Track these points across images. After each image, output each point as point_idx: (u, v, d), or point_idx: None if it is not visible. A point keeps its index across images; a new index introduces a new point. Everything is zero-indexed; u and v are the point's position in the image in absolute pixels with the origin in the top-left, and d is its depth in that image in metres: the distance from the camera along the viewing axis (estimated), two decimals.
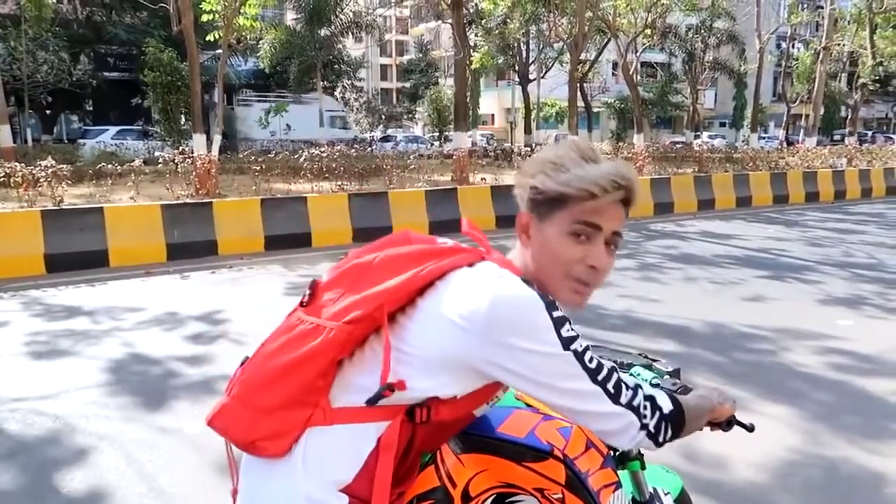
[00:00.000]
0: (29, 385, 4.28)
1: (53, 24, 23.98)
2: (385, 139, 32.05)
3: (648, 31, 22.91)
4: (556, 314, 1.08)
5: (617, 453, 1.48)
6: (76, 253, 7.84)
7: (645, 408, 1.14)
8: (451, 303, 1.09)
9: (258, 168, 12.45)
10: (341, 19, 30.47)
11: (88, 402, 4.00)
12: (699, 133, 34.65)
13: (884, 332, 5.37)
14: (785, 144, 28.12)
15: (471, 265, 1.15)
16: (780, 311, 6.00)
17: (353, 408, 1.11)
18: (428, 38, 54.15)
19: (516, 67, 32.92)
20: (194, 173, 11.90)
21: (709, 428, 1.40)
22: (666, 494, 1.73)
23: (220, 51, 15.78)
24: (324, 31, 30.11)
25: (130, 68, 26.82)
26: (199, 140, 12.56)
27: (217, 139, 13.49)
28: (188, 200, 10.27)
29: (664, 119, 42.00)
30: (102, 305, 6.25)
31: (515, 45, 30.91)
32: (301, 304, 1.18)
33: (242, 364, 1.25)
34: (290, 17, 36.56)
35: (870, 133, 42.56)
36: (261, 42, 27.91)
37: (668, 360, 1.56)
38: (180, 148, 13.38)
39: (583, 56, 22.48)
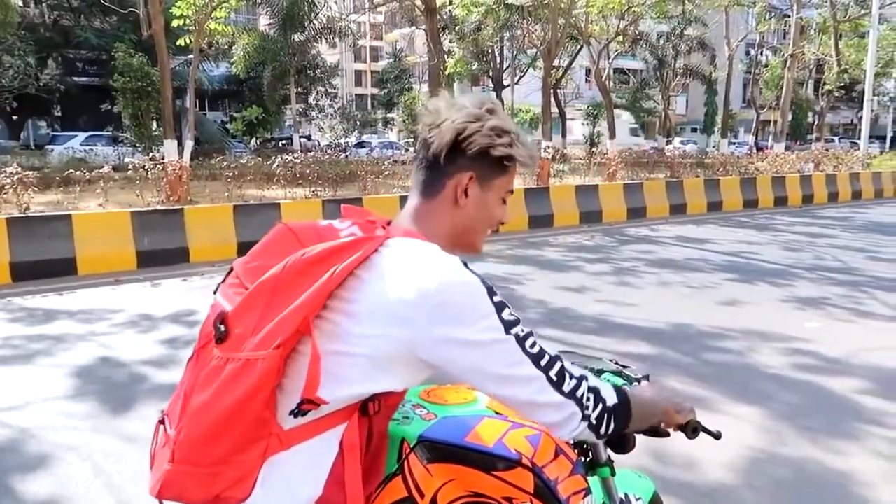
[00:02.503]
0: None
1: (19, 27, 23.56)
2: (360, 145, 32.00)
3: (620, 38, 23.20)
4: (496, 299, 1.07)
5: (587, 460, 1.48)
6: (43, 261, 7.69)
7: (588, 399, 1.13)
8: (390, 295, 1.05)
9: (230, 174, 12.33)
10: (315, 25, 30.33)
11: (55, 412, 3.92)
12: (671, 139, 35.08)
13: (850, 334, 5.48)
14: (754, 150, 28.58)
15: (384, 245, 1.11)
16: (751, 314, 6.08)
17: (307, 423, 1.06)
18: (402, 45, 54.23)
19: (490, 73, 33.12)
20: (165, 180, 11.75)
21: (673, 431, 1.39)
22: (637, 500, 1.72)
23: (191, 56, 15.63)
24: (297, 37, 29.94)
25: (100, 73, 26.45)
26: (170, 146, 12.40)
27: (189, 145, 13.34)
28: (159, 207, 10.13)
29: (639, 125, 42.48)
30: (71, 313, 6.13)
31: (489, 51, 31.09)
32: (216, 341, 1.07)
33: (161, 421, 1.17)
34: (263, 23, 36.36)
35: (837, 139, 43.52)
36: (233, 47, 27.68)
37: (639, 367, 1.57)
38: (151, 154, 13.20)
39: (556, 62, 22.67)
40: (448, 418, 1.34)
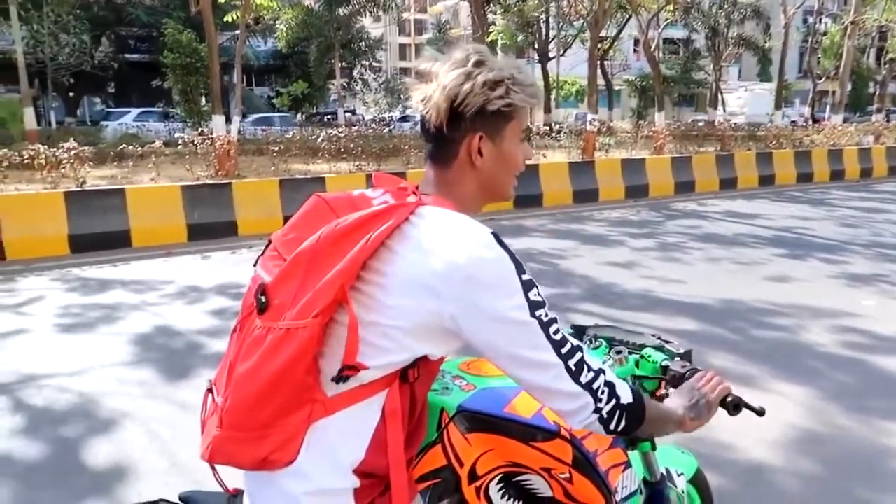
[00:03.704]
0: (55, 362, 4.38)
1: (74, 6, 24.13)
2: (404, 119, 31.95)
3: (670, 7, 22.51)
4: (524, 277, 1.07)
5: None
6: (99, 233, 7.95)
7: (602, 392, 1.12)
8: (421, 267, 1.06)
9: (276, 149, 12.48)
10: None
11: (112, 378, 4.09)
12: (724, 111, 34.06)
13: None
14: (810, 121, 27.56)
15: (415, 214, 1.12)
16: (802, 291, 5.93)
17: (349, 390, 1.09)
18: (446, 17, 53.69)
19: (536, 45, 32.55)
20: (213, 154, 11.97)
21: (719, 411, 1.34)
22: (679, 475, 1.73)
23: (238, 31, 15.79)
24: (342, 11, 29.94)
25: (151, 50, 26.96)
26: (218, 121, 12.60)
27: (236, 120, 13.54)
28: (208, 181, 10.34)
29: (687, 97, 41.33)
30: (125, 283, 6.35)
31: (535, 22, 30.53)
32: (257, 312, 1.11)
33: (209, 391, 1.21)
34: None
35: None
36: (278, 22, 27.84)
37: (682, 342, 1.54)
38: (200, 129, 13.44)
39: (603, 33, 22.17)
40: (487, 389, 1.35)
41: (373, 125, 22.73)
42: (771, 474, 2.98)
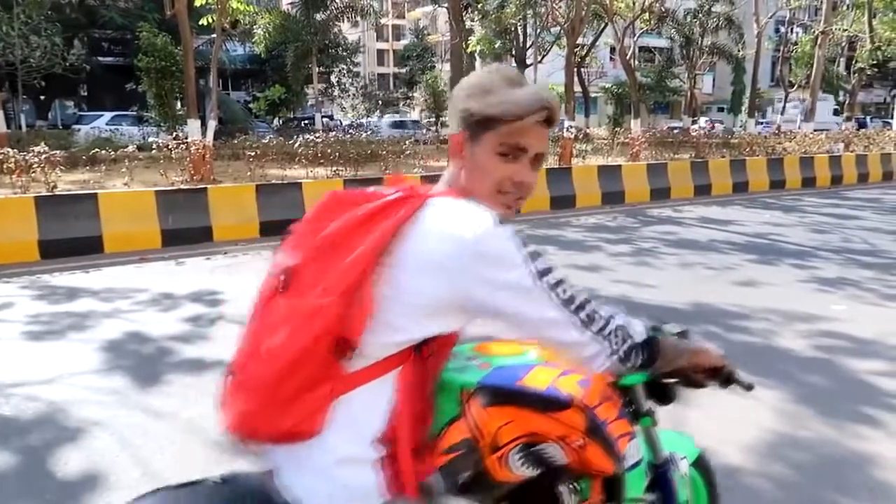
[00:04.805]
0: (24, 370, 4.29)
1: (46, 8, 23.77)
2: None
3: (646, 15, 22.81)
4: (529, 249, 1.18)
5: (629, 409, 1.52)
6: (70, 239, 7.82)
7: (616, 335, 1.23)
8: (433, 247, 1.16)
9: (253, 154, 12.40)
10: (337, 3, 30.21)
11: (82, 387, 4.01)
12: (696, 118, 34.54)
13: (877, 317, 5.39)
14: (781, 129, 28.03)
15: (426, 204, 1.22)
16: (775, 296, 6.01)
17: (367, 367, 1.17)
18: (424, 23, 53.80)
19: (513, 52, 32.76)
20: (188, 159, 11.85)
21: (706, 380, 1.47)
22: (682, 458, 1.76)
23: (214, 35, 15.67)
24: (319, 16, 29.86)
25: (125, 53, 26.67)
26: (193, 126, 12.49)
27: (212, 125, 13.42)
28: (182, 186, 10.23)
29: (662, 104, 41.82)
30: (97, 290, 6.25)
31: (512, 29, 30.73)
32: (282, 292, 1.20)
33: (229, 373, 1.27)
34: (285, 1, 36.30)
35: (868, 118, 42.45)
36: (256, 27, 27.69)
37: (679, 323, 1.58)
38: (175, 134, 13.31)
39: (580, 40, 22.37)
40: (502, 367, 1.44)
41: (350, 130, 22.68)
42: (745, 477, 3.00)
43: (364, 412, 1.18)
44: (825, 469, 3.09)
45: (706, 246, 8.42)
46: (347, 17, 31.51)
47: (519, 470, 1.37)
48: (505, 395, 1.36)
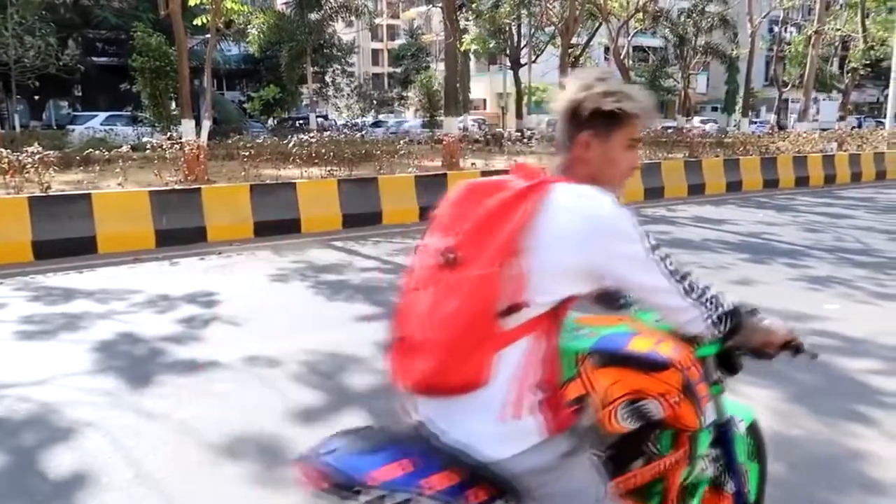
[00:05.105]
0: (16, 370, 4.28)
1: (40, 7, 23.68)
2: (376, 124, 31.88)
3: (640, 15, 22.83)
4: (640, 228, 1.42)
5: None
6: (64, 240, 7.79)
7: (711, 303, 1.48)
8: (569, 224, 1.39)
9: (247, 154, 12.37)
10: (331, 3, 30.19)
11: (75, 388, 4.00)
12: (690, 118, 34.61)
13: (869, 316, 5.41)
14: (776, 128, 28.12)
15: (552, 189, 1.43)
16: (767, 294, 6.03)
17: (520, 325, 1.38)
18: (419, 23, 53.80)
19: (508, 52, 32.77)
20: (182, 159, 11.82)
21: (777, 350, 1.75)
22: (740, 421, 2.04)
23: (209, 35, 15.63)
24: (314, 15, 29.83)
25: (119, 53, 26.59)
26: (187, 126, 12.46)
27: (206, 125, 13.39)
28: (177, 187, 10.20)
29: (658, 104, 41.92)
30: (91, 291, 6.23)
31: (507, 28, 30.74)
32: (448, 267, 1.40)
33: (398, 341, 1.48)
34: (280, 1, 36.23)
35: (861, 117, 42.62)
36: (250, 26, 27.64)
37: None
38: (169, 134, 13.26)
39: (574, 40, 22.38)
40: (607, 335, 1.67)
41: (345, 130, 22.65)
42: None
43: (520, 364, 1.39)
44: (818, 467, 3.10)
45: (700, 245, 8.44)
46: (342, 17, 31.51)
47: (625, 422, 1.61)
48: (613, 358, 1.61)
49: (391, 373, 1.49)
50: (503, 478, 1.40)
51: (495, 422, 1.39)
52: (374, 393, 3.95)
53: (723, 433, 1.89)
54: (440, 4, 17.13)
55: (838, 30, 26.92)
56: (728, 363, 1.81)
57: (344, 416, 3.63)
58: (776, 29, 38.53)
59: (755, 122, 35.38)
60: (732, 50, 33.67)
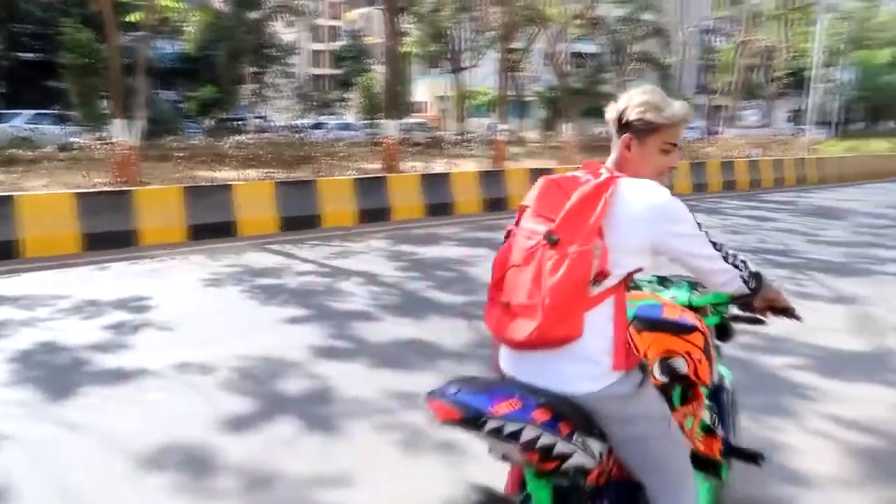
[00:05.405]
0: None
1: None
2: (317, 126, 31.52)
3: (577, 22, 23.29)
4: (690, 211, 1.81)
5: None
6: None
7: (742, 265, 1.92)
8: (636, 210, 1.75)
9: (181, 155, 12.07)
10: (271, 2, 29.71)
11: None
12: None
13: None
14: (706, 134, 29.11)
15: (619, 182, 1.78)
16: None
17: (602, 291, 1.74)
18: (361, 24, 53.49)
19: (449, 55, 32.93)
20: (113, 160, 11.44)
21: (773, 316, 2.09)
22: (724, 380, 2.51)
23: (142, 32, 15.17)
24: (253, 15, 29.29)
25: (46, 49, 25.43)
26: (119, 125, 12.06)
27: (139, 124, 12.99)
28: (106, 188, 9.87)
29: (594, 109, 42.76)
30: (14, 297, 5.96)
31: (447, 32, 30.88)
32: (550, 245, 1.72)
33: (505, 303, 1.81)
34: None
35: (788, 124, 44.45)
36: (185, 25, 26.92)
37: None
38: (98, 134, 12.82)
39: (514, 45, 22.66)
40: (643, 306, 2.07)
41: (284, 132, 22.32)
42: None
43: (603, 320, 1.75)
44: (739, 462, 3.23)
45: None
46: (282, 17, 31.05)
47: (659, 377, 2.01)
48: (652, 323, 2.03)
49: (492, 332, 1.86)
50: (586, 411, 1.77)
51: (588, 365, 1.75)
52: (308, 398, 3.92)
53: (717, 389, 2.33)
54: (382, 7, 17.08)
55: (763, 40, 28.08)
56: (723, 331, 2.25)
57: (276, 422, 3.59)
58: (706, 38, 39.90)
59: (690, 128, 36.52)
60: (665, 58, 34.69)
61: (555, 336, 1.71)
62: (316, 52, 63.76)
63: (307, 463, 3.18)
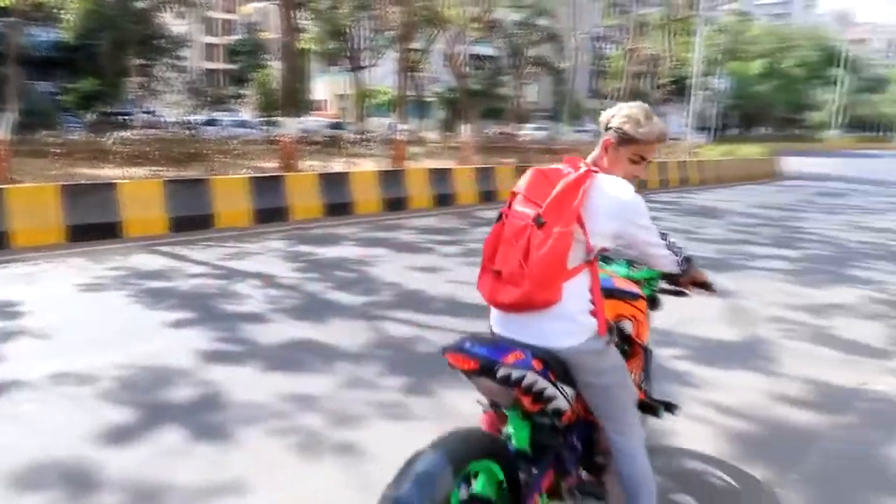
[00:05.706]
0: None
1: None
2: (210, 123, 30.33)
3: (476, 24, 23.66)
4: (647, 206, 2.16)
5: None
6: None
7: (679, 251, 2.35)
8: (607, 203, 2.10)
9: (59, 151, 11.29)
10: None
11: None
12: (522, 126, 36.36)
13: (671, 308, 5.95)
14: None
15: (596, 177, 2.13)
16: None
17: (578, 265, 2.11)
18: (257, 19, 52.00)
19: (348, 53, 32.60)
20: None
21: (694, 288, 2.62)
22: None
23: (13, 18, 14.06)
24: (140, 4, 27.79)
25: None
26: None
27: (9, 117, 12.02)
28: None
29: (492, 111, 43.56)
30: None
31: (346, 30, 30.56)
32: (537, 226, 2.06)
33: (497, 270, 2.15)
34: None
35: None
36: (62, 11, 25.18)
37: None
38: None
39: (413, 46, 22.73)
40: (601, 279, 2.31)
41: (174, 128, 21.34)
42: None
43: (579, 288, 2.12)
44: None
45: None
46: (171, 8, 29.65)
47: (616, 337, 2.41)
48: (608, 291, 2.38)
49: (484, 296, 2.20)
50: (566, 362, 2.15)
51: (569, 323, 2.11)
52: (196, 405, 3.77)
53: (647, 350, 2.72)
54: (278, 1, 16.66)
55: (649, 48, 29.57)
56: (653, 303, 2.75)
57: (162, 432, 3.42)
58: (598, 45, 41.55)
59: (582, 131, 37.89)
60: (559, 63, 35.83)
61: (538, 300, 2.05)
62: (209, 46, 61.46)
63: (198, 472, 3.05)
